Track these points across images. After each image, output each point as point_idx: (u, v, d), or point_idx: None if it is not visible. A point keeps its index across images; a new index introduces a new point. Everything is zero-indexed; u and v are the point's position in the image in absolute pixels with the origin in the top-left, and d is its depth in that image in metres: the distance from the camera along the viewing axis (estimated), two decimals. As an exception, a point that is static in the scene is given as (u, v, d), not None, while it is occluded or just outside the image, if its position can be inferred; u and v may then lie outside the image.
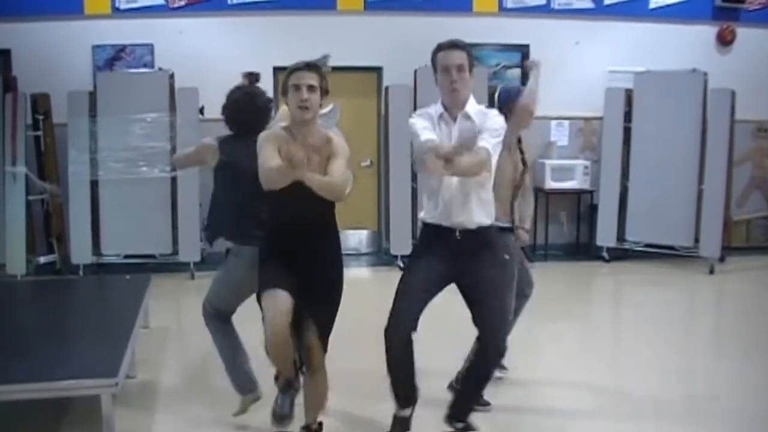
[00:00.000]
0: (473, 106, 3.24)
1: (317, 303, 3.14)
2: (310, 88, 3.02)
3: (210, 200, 3.75)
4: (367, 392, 3.82)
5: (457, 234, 3.22)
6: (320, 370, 3.18)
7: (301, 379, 3.32)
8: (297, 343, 3.18)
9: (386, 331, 3.23)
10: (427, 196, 3.34)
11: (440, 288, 3.28)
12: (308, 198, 2.96)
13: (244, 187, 3.36)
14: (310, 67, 3.08)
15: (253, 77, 3.87)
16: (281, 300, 3.02)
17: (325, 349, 3.17)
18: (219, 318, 3.70)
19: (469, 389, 3.39)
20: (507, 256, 3.58)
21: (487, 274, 3.24)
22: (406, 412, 3.39)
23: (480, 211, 3.24)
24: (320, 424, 3.35)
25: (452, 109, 3.22)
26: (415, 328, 3.21)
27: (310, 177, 2.91)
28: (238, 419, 3.69)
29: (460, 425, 3.34)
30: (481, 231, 3.25)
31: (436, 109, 3.26)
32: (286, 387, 3.38)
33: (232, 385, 3.70)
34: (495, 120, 3.17)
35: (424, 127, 3.16)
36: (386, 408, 3.43)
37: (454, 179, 3.15)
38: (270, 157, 2.97)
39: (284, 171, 2.85)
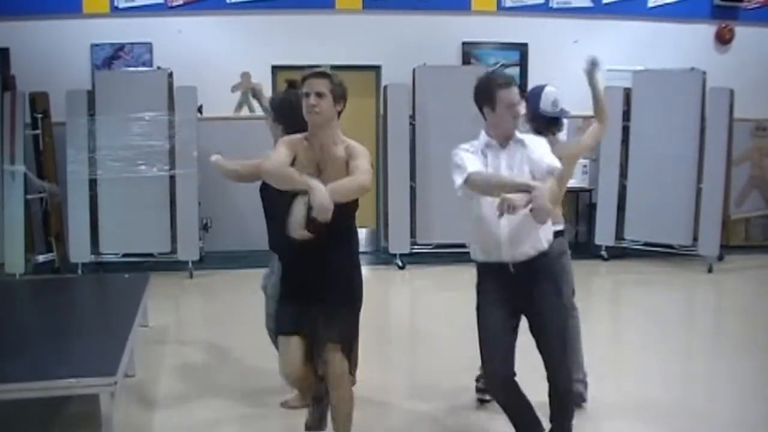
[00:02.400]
0: (518, 132, 3.22)
1: (336, 314, 3.11)
2: (319, 95, 3.02)
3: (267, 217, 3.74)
4: (367, 394, 3.82)
5: (511, 267, 3.13)
6: (341, 385, 3.13)
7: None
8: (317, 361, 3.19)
9: (487, 383, 3.25)
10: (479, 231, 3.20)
11: (517, 322, 3.22)
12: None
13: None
14: (319, 74, 3.07)
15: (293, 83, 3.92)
16: (295, 344, 3.07)
17: (350, 360, 3.15)
18: None
19: (559, 415, 3.30)
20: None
21: (545, 303, 3.18)
22: None
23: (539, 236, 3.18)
24: None
25: (500, 138, 3.18)
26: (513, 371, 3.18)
27: (334, 188, 2.86)
28: (237, 419, 3.70)
29: None
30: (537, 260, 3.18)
31: (479, 140, 3.21)
32: (317, 399, 3.38)
33: None
34: (541, 143, 3.19)
35: (468, 158, 3.11)
36: (382, 414, 3.43)
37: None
38: (279, 153, 3.01)
39: (290, 178, 2.89)
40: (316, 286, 3.07)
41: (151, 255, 7.37)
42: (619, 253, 8.03)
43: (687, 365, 4.94)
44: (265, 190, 3.47)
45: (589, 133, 4.10)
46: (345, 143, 3.11)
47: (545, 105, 3.78)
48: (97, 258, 7.34)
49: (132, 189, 7.22)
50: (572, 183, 8.10)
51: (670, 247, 7.79)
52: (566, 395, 3.26)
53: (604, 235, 7.97)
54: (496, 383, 3.21)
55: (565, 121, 3.95)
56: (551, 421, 3.29)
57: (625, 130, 7.94)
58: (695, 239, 7.62)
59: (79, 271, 7.17)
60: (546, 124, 3.77)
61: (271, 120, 3.75)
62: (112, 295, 5.20)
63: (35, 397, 3.30)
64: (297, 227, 2.83)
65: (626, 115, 7.93)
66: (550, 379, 3.17)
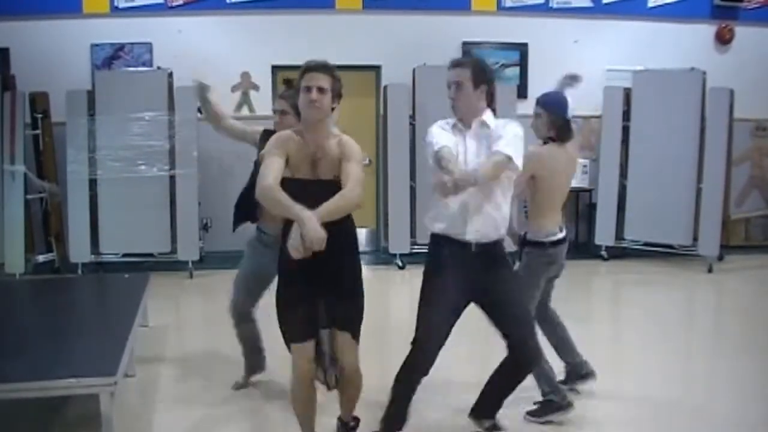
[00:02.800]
0: (491, 119, 3.26)
1: (343, 305, 3.14)
2: (320, 89, 3.02)
3: (242, 190, 3.90)
4: (366, 394, 3.82)
5: (473, 248, 3.19)
6: (355, 377, 3.22)
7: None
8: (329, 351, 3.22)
9: (409, 363, 3.24)
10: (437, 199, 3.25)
11: (462, 310, 3.26)
12: (313, 190, 2.97)
13: None
14: (322, 68, 3.08)
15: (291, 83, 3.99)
16: (308, 350, 3.09)
17: (356, 338, 3.17)
18: (247, 317, 4.03)
19: (500, 389, 3.37)
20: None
21: (504, 288, 3.25)
22: None
23: (496, 222, 3.22)
24: (357, 420, 3.44)
25: (463, 118, 3.26)
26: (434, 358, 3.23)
27: (324, 213, 2.85)
28: (237, 419, 3.70)
29: (488, 423, 3.41)
30: (497, 244, 3.25)
31: (450, 120, 3.31)
32: None
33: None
34: (512, 128, 3.17)
35: (439, 135, 3.20)
36: (381, 414, 3.42)
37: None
38: (272, 167, 2.96)
39: (282, 207, 2.88)
40: (318, 279, 3.04)
41: (151, 255, 7.37)
42: (619, 253, 8.03)
43: (687, 365, 4.94)
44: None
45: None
46: (337, 137, 3.11)
47: (570, 111, 3.78)
48: (97, 258, 7.33)
49: (132, 189, 7.22)
50: (572, 183, 8.13)
51: (670, 247, 7.80)
52: (521, 370, 3.29)
53: (604, 235, 7.97)
54: (420, 369, 3.22)
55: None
56: (492, 385, 3.35)
57: (625, 130, 7.95)
58: (695, 239, 7.62)
59: (79, 271, 7.17)
60: (570, 131, 3.78)
61: (294, 118, 3.72)
62: (112, 295, 5.20)
63: (35, 397, 3.31)
64: (294, 251, 2.82)
65: (626, 115, 7.93)
66: (518, 341, 3.20)
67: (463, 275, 3.18)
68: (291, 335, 3.11)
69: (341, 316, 3.13)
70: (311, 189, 2.97)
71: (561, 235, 3.77)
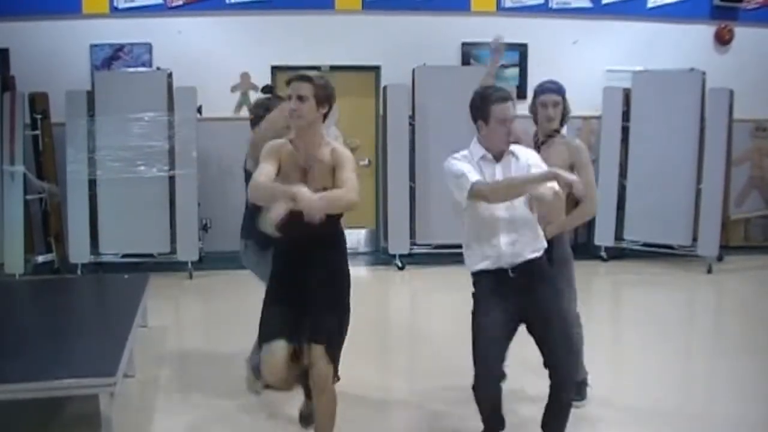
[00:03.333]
0: (516, 147, 3.28)
1: (322, 315, 3.10)
2: (300, 98, 3.02)
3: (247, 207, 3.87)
4: (366, 394, 3.83)
5: (510, 273, 3.18)
6: (325, 388, 3.12)
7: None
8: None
9: (474, 388, 3.20)
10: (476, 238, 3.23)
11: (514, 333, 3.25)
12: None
13: None
14: (301, 78, 3.06)
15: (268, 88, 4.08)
16: (280, 349, 3.04)
17: (333, 363, 3.11)
18: None
19: (555, 423, 3.32)
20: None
21: (545, 306, 3.22)
22: None
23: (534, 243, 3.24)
24: None
25: (494, 151, 3.24)
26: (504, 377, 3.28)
27: (323, 198, 2.85)
28: (237, 419, 3.70)
29: None
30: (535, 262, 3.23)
31: (473, 150, 3.26)
32: (308, 394, 3.41)
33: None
34: (536, 157, 3.27)
35: (467, 169, 3.16)
36: (381, 414, 3.43)
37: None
38: (263, 170, 3.00)
39: (274, 192, 2.88)
40: (304, 289, 3.06)
41: (150, 255, 7.37)
42: (618, 253, 8.03)
43: (687, 365, 4.94)
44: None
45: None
46: (330, 146, 3.10)
47: None
48: (96, 258, 7.33)
49: (131, 189, 7.22)
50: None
51: (670, 247, 7.80)
52: (567, 400, 3.24)
53: (603, 235, 7.97)
54: (486, 393, 3.20)
55: None
56: (544, 425, 3.30)
57: (625, 131, 7.94)
58: (695, 240, 7.62)
59: (79, 272, 7.17)
60: None
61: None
62: (111, 295, 5.20)
63: (35, 398, 3.31)
64: (271, 223, 2.79)
65: (626, 116, 7.93)
66: (554, 384, 3.16)
67: (503, 300, 3.18)
68: (262, 334, 3.10)
69: (318, 327, 3.08)
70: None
71: None
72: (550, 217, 3.49)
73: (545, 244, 3.26)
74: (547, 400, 3.24)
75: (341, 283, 3.19)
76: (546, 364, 3.18)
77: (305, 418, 3.50)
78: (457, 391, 4.09)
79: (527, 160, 3.21)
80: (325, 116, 3.13)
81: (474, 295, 3.26)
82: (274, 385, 3.26)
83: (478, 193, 3.05)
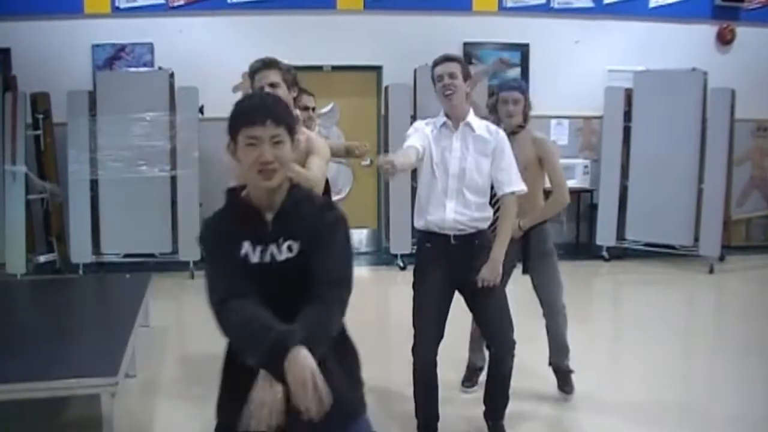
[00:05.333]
0: (473, 118, 3.36)
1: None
2: (272, 85, 3.03)
3: None
4: (367, 392, 3.82)
5: (452, 239, 3.29)
6: None
7: None
8: None
9: (413, 349, 3.37)
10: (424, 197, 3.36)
11: (451, 298, 3.37)
12: None
13: None
14: (267, 65, 3.07)
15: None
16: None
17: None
18: None
19: (497, 390, 3.46)
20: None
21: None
22: None
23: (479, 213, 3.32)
24: None
25: (453, 115, 3.33)
26: (438, 344, 3.34)
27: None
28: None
29: (499, 424, 3.49)
30: (478, 234, 3.33)
31: (438, 118, 3.38)
32: None
33: None
34: (507, 146, 3.34)
35: (410, 137, 3.32)
36: (382, 413, 3.43)
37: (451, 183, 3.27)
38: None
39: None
40: None
41: (152, 255, 7.37)
42: (620, 253, 8.02)
43: (688, 365, 4.93)
44: None
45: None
46: (304, 134, 3.08)
47: None
48: (98, 258, 7.34)
49: (133, 189, 7.22)
50: (573, 183, 8.16)
51: (671, 247, 7.79)
52: (507, 370, 3.36)
53: (605, 235, 7.97)
54: (422, 360, 3.33)
55: None
56: (486, 401, 3.48)
57: (627, 131, 7.94)
58: (696, 240, 7.62)
59: (80, 272, 7.18)
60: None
61: None
62: (113, 295, 5.20)
63: (36, 398, 3.30)
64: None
65: (627, 116, 7.93)
66: (493, 354, 3.35)
67: (443, 264, 3.30)
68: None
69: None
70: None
71: None
72: (522, 210, 3.58)
73: (490, 217, 3.35)
74: (487, 372, 3.46)
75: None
76: (485, 335, 3.41)
77: None
78: (458, 389, 4.09)
79: (490, 133, 3.30)
80: (295, 100, 3.17)
81: (416, 256, 3.44)
82: None
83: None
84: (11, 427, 3.64)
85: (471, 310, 3.40)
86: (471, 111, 3.36)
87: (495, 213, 3.39)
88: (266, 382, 1.82)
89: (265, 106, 1.97)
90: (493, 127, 3.37)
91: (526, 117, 3.89)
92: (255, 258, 1.97)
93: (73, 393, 3.24)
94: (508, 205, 3.30)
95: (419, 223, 3.37)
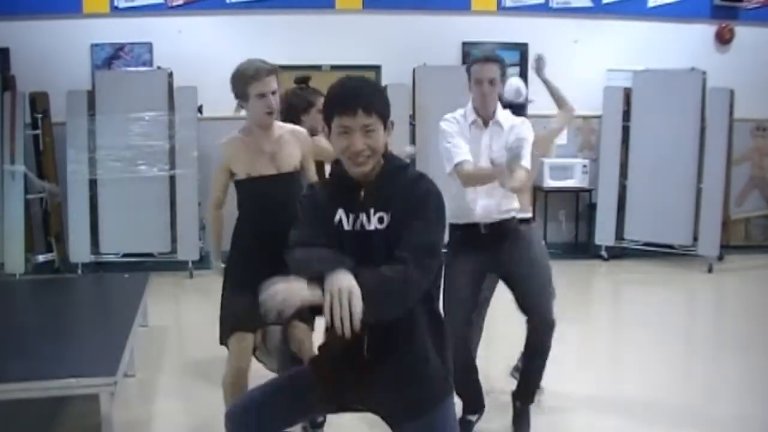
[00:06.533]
0: (501, 113, 3.45)
1: None
2: (274, 93, 3.05)
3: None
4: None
5: (482, 228, 3.38)
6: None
7: None
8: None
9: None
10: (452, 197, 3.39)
11: (481, 282, 3.46)
12: (276, 184, 3.03)
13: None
14: (270, 72, 3.05)
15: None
16: (247, 343, 3.04)
17: (311, 326, 3.16)
18: None
19: (532, 369, 3.54)
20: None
21: (523, 258, 3.42)
22: (472, 417, 3.52)
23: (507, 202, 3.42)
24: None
25: (484, 115, 3.41)
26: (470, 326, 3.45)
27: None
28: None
29: (526, 408, 3.55)
30: (506, 222, 3.42)
31: (467, 113, 3.44)
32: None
33: None
34: (526, 131, 3.39)
35: (457, 143, 3.33)
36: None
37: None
38: (218, 185, 3.17)
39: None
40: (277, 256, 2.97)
41: (151, 255, 7.37)
42: (619, 253, 8.02)
43: (687, 365, 4.94)
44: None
45: (556, 118, 4.53)
46: (284, 128, 3.17)
47: (508, 95, 3.99)
48: (97, 258, 7.33)
49: (132, 189, 7.22)
50: (572, 183, 8.17)
51: (670, 247, 7.79)
52: (546, 343, 3.45)
53: (604, 235, 7.97)
54: (455, 347, 3.28)
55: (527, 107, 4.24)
56: (521, 381, 3.56)
57: (626, 130, 7.94)
58: (695, 239, 7.62)
59: (79, 271, 7.17)
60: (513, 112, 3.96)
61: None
62: (111, 295, 5.20)
63: (35, 397, 3.30)
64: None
65: (626, 115, 7.93)
66: (531, 328, 3.42)
67: (474, 253, 3.38)
68: (235, 321, 3.05)
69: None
70: (273, 184, 3.04)
71: None
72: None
73: (517, 206, 3.45)
74: (525, 346, 3.50)
75: None
76: (523, 308, 3.43)
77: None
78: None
79: (512, 128, 3.38)
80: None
81: (447, 245, 3.43)
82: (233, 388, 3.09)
83: (459, 174, 3.27)
84: (10, 427, 3.64)
85: (511, 288, 3.47)
86: (499, 106, 3.45)
87: None
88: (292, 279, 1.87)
89: (357, 95, 2.00)
90: (518, 119, 3.47)
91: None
92: (348, 225, 2.04)
93: (71, 393, 3.24)
94: None
95: (448, 215, 3.38)
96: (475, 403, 3.51)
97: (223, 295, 3.20)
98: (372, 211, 2.01)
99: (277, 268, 2.85)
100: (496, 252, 3.37)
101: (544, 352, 3.46)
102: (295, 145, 3.14)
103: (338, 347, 1.96)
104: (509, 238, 3.40)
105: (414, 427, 2.06)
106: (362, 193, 2.03)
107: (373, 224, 2.01)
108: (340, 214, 2.03)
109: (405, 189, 2.02)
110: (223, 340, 3.10)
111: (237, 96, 3.06)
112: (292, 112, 3.78)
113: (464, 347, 3.35)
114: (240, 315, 3.01)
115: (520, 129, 3.38)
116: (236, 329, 3.04)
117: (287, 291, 1.83)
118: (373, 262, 1.93)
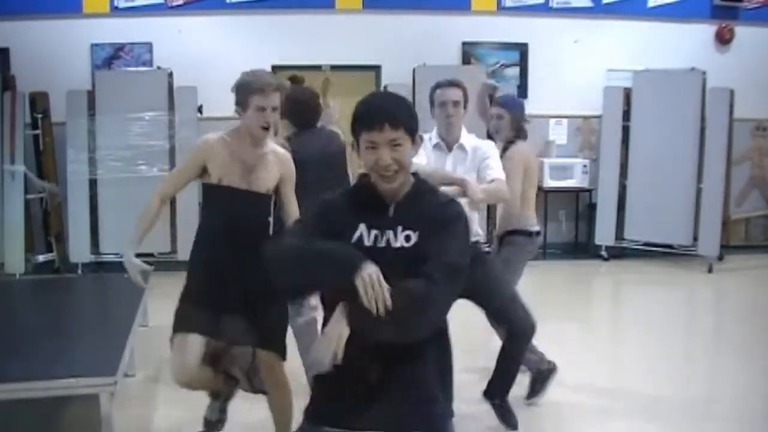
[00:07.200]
0: (466, 137, 3.49)
1: (275, 326, 3.02)
2: (275, 109, 2.93)
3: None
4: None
5: None
6: (280, 387, 3.09)
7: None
8: (240, 363, 3.15)
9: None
10: None
11: None
12: (244, 201, 2.96)
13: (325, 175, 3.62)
14: (277, 88, 2.94)
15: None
16: (195, 344, 2.99)
17: (283, 356, 3.07)
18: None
19: (504, 369, 3.59)
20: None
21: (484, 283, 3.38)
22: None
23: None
24: None
25: (448, 140, 3.47)
26: None
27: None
28: (237, 418, 3.69)
29: (497, 402, 3.59)
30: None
31: (431, 136, 3.49)
32: (214, 395, 3.38)
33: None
34: (491, 150, 3.46)
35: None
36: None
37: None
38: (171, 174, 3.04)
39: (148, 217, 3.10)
40: (236, 266, 2.93)
41: (151, 255, 7.35)
42: (619, 253, 8.03)
43: (687, 365, 4.94)
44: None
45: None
46: (269, 146, 3.04)
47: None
48: (97, 258, 7.33)
49: (132, 189, 7.19)
50: (572, 183, 8.17)
51: (670, 247, 7.80)
52: (524, 338, 3.55)
53: (604, 235, 7.97)
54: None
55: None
56: (498, 366, 3.60)
57: (625, 130, 7.95)
58: (695, 239, 7.63)
59: (79, 271, 7.17)
60: (526, 131, 4.09)
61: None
62: (112, 295, 5.19)
63: (35, 397, 3.30)
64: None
65: (626, 115, 7.94)
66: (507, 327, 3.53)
67: None
68: (178, 323, 3.03)
69: (263, 330, 2.98)
70: (241, 200, 2.95)
71: (539, 227, 4.12)
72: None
73: (479, 233, 3.53)
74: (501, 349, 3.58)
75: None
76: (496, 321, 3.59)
77: (208, 423, 3.43)
78: (458, 387, 4.09)
79: (476, 151, 3.41)
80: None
81: None
82: (183, 387, 3.12)
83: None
84: (10, 427, 3.64)
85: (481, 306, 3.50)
86: (463, 131, 3.48)
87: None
88: (337, 321, 1.86)
89: (383, 110, 2.01)
90: (482, 142, 3.51)
91: (511, 131, 4.00)
92: (368, 242, 1.98)
93: (71, 393, 3.24)
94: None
95: None
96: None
97: (181, 299, 3.17)
98: (400, 228, 1.97)
99: (228, 285, 2.91)
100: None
101: (520, 357, 3.61)
102: (274, 168, 3.01)
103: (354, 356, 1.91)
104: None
105: None
106: (392, 210, 2.01)
107: (400, 242, 1.97)
108: (362, 229, 1.98)
109: (436, 209, 2.01)
110: (173, 337, 3.09)
111: (237, 103, 2.97)
112: (302, 106, 3.92)
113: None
114: (189, 319, 3.03)
115: (484, 151, 3.42)
116: (180, 329, 3.05)
117: (337, 337, 1.85)
118: (391, 280, 1.87)
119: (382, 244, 1.96)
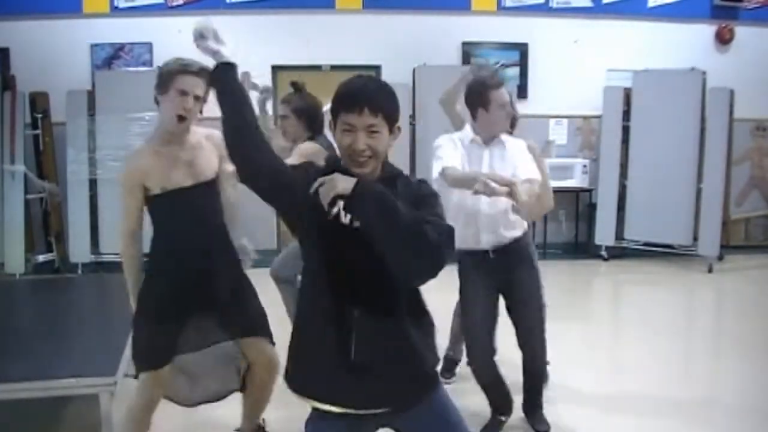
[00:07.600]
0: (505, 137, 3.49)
1: (238, 306, 3.00)
2: (197, 98, 2.86)
3: None
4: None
5: (491, 254, 3.41)
6: (272, 366, 3.10)
7: None
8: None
9: (470, 364, 3.56)
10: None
11: (497, 301, 3.51)
12: (199, 194, 2.86)
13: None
14: (197, 72, 2.84)
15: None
16: (162, 379, 2.98)
17: (271, 339, 3.11)
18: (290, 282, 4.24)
19: (531, 390, 3.68)
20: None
21: (523, 287, 3.50)
22: (503, 417, 3.66)
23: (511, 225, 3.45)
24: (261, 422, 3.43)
25: (486, 137, 3.42)
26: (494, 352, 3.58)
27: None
28: (238, 418, 3.69)
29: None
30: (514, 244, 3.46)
31: (464, 135, 3.45)
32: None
33: None
34: (523, 144, 3.44)
35: (449, 153, 3.31)
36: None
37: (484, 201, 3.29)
38: (130, 210, 2.81)
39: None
40: (211, 296, 2.91)
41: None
42: (619, 253, 8.03)
43: (687, 365, 4.94)
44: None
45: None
46: (196, 133, 2.96)
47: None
48: (97, 258, 7.33)
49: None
50: (572, 183, 8.17)
51: (670, 247, 7.80)
52: (542, 370, 3.68)
53: (604, 235, 7.97)
54: (481, 365, 3.50)
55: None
56: (526, 391, 3.66)
57: (625, 130, 7.95)
58: (695, 239, 7.62)
59: (79, 271, 7.18)
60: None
61: (295, 121, 3.98)
62: (111, 295, 5.17)
63: (35, 397, 3.30)
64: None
65: (626, 115, 7.94)
66: (529, 355, 3.53)
67: (486, 280, 3.45)
68: (147, 357, 2.93)
69: (247, 319, 3.00)
70: (196, 195, 2.84)
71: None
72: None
73: (525, 226, 3.51)
74: (522, 377, 3.61)
75: (240, 273, 3.08)
76: (520, 343, 3.52)
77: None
78: (458, 387, 4.09)
79: (514, 149, 3.39)
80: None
81: (459, 272, 3.48)
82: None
83: (447, 177, 3.21)
84: (10, 427, 3.64)
85: (510, 315, 3.54)
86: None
87: None
88: (347, 180, 1.85)
89: (363, 93, 1.96)
90: (516, 139, 3.50)
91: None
92: (346, 219, 1.94)
93: (71, 393, 3.24)
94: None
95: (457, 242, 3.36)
96: (503, 406, 3.63)
97: (136, 321, 3.01)
98: None
99: (199, 288, 2.84)
100: (507, 276, 3.44)
101: (542, 373, 3.73)
102: (212, 151, 2.94)
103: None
104: (516, 260, 3.46)
105: (412, 416, 2.05)
106: None
107: None
108: (339, 206, 1.91)
109: (409, 189, 2.00)
110: (138, 373, 2.99)
111: (157, 87, 2.80)
112: (314, 111, 3.99)
113: (490, 364, 3.50)
114: (159, 349, 2.92)
115: (520, 148, 3.41)
116: (157, 366, 2.93)
117: (332, 181, 1.84)
118: (365, 259, 1.88)
119: (358, 224, 1.92)
